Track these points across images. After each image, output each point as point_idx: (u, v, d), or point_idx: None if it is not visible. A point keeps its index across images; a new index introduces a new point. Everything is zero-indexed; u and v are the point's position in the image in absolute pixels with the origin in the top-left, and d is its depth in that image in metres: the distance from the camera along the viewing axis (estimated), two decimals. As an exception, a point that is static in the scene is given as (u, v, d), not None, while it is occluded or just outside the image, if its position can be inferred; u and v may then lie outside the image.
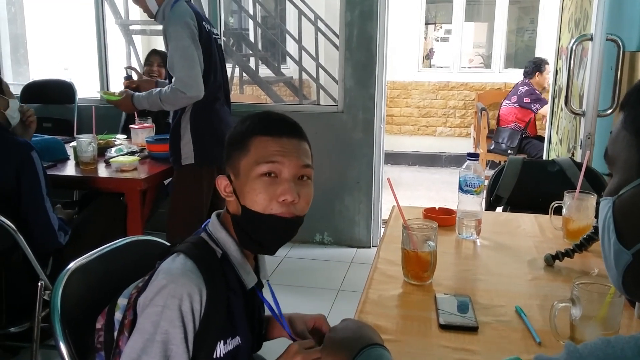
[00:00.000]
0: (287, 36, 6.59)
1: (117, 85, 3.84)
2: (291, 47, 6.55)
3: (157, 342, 0.94)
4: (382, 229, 2.23)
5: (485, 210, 2.28)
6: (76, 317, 1.14)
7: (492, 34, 6.93)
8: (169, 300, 0.95)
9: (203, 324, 0.99)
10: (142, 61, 4.15)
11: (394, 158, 6.75)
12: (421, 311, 1.27)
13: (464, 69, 7.08)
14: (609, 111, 2.64)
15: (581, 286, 1.08)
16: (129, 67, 3.43)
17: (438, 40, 7.61)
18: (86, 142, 2.67)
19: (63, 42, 5.90)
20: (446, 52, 7.25)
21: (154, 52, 3.55)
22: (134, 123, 3.19)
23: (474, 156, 1.68)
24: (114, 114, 3.55)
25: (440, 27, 7.61)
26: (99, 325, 1.08)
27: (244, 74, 6.24)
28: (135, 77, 3.28)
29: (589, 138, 2.59)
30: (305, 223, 1.12)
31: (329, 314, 2.78)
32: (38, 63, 6.02)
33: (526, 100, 5.17)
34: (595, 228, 1.51)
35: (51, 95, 4.06)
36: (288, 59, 6.88)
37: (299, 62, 6.08)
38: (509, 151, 5.10)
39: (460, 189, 1.68)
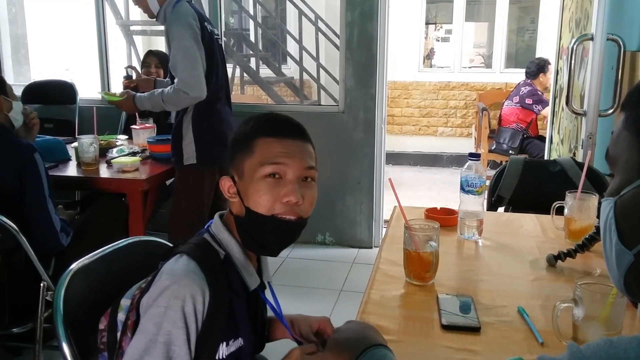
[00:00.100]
0: (288, 36, 6.58)
1: (118, 86, 3.84)
2: (292, 47, 6.54)
3: (160, 343, 0.94)
4: (384, 229, 2.23)
5: (487, 210, 2.27)
6: (79, 318, 1.14)
7: (492, 34, 6.93)
8: (172, 301, 0.95)
9: (206, 325, 0.99)
10: (143, 62, 4.15)
11: (395, 158, 6.74)
12: (423, 312, 1.27)
13: (464, 69, 7.07)
14: (610, 111, 2.65)
15: (583, 286, 1.08)
16: (129, 67, 3.43)
17: (439, 40, 7.61)
18: (87, 143, 2.67)
19: (64, 43, 5.91)
20: (447, 52, 7.24)
21: (150, 54, 3.54)
22: (135, 123, 3.19)
23: (475, 156, 1.68)
24: (115, 115, 3.56)
25: (441, 27, 7.60)
26: (101, 326, 1.08)
27: (245, 74, 6.24)
28: (135, 76, 3.28)
29: (590, 138, 2.60)
30: (307, 223, 1.12)
31: (331, 314, 2.78)
32: (39, 63, 6.02)
33: (528, 101, 5.16)
34: (597, 228, 1.51)
35: (52, 96, 4.06)
36: (289, 59, 6.88)
37: (299, 62, 6.08)
38: (510, 151, 5.09)
39: (462, 189, 1.68)
